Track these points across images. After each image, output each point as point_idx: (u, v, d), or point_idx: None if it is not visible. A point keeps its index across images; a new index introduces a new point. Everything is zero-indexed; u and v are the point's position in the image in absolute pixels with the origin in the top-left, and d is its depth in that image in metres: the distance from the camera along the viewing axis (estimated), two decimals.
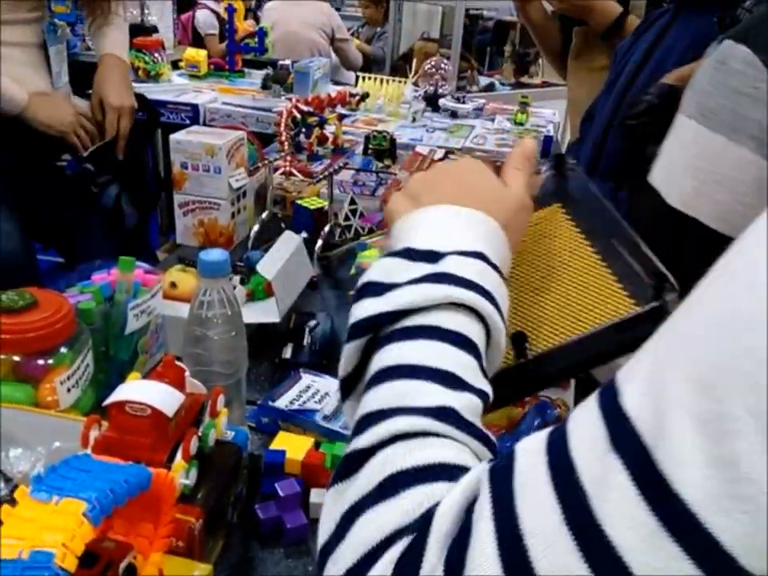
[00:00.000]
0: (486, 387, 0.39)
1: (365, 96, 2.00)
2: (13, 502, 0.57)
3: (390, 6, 4.43)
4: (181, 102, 2.28)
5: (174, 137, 1.27)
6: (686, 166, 0.60)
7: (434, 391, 0.37)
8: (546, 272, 0.53)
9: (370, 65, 4.38)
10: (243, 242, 1.36)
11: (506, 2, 3.96)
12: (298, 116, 1.64)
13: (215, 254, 0.69)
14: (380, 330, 0.41)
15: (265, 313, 0.93)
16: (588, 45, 1.57)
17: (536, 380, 0.52)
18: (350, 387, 0.42)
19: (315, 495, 0.68)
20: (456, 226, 0.44)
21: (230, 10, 2.73)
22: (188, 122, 2.28)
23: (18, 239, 1.48)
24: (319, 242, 1.25)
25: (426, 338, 0.39)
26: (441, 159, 1.84)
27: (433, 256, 0.42)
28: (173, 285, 0.96)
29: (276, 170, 1.56)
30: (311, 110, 1.69)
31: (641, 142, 0.85)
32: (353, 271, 1.24)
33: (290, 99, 1.68)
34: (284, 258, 0.97)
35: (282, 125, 1.58)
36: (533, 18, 1.71)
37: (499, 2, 4.03)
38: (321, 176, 1.32)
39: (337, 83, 3.33)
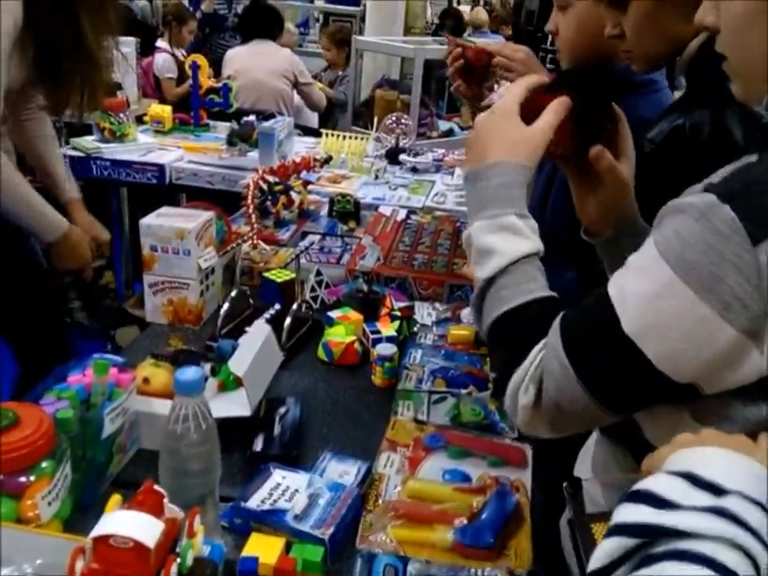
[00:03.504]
0: None
1: (328, 159, 2.07)
2: None
3: (351, 50, 4.54)
4: (147, 161, 2.32)
5: (144, 221, 1.31)
6: (648, 302, 0.61)
7: None
8: None
9: (333, 108, 4.48)
10: (212, 318, 1.40)
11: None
12: (265, 187, 1.70)
13: (190, 373, 0.74)
14: (645, 539, 0.44)
15: (236, 405, 0.98)
16: None
17: None
18: None
19: None
20: (742, 471, 0.47)
21: (194, 67, 2.79)
22: (154, 181, 2.32)
23: None
24: (288, 320, 1.29)
25: (708, 568, 0.41)
26: (403, 220, 1.91)
27: (716, 489, 0.44)
28: (146, 380, 1.00)
29: (244, 241, 1.61)
30: (277, 180, 1.75)
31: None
32: (320, 351, 1.30)
33: (257, 170, 1.75)
34: (254, 350, 1.02)
35: (249, 197, 1.64)
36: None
37: None
38: (289, 260, 1.37)
39: (300, 127, 3.40)
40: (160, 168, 2.31)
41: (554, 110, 0.78)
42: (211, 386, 1.02)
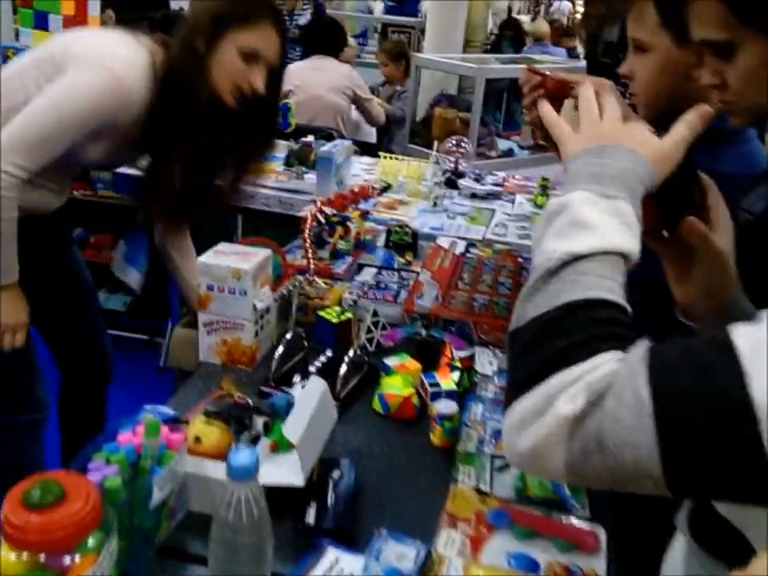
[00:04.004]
0: None
1: (386, 188, 2.02)
2: None
3: (409, 64, 4.49)
4: None
5: (201, 260, 1.28)
6: None
7: None
8: None
9: (390, 124, 4.43)
10: (266, 358, 1.36)
11: (525, 66, 4.00)
12: (322, 219, 1.66)
13: (243, 457, 0.69)
14: None
15: (288, 472, 0.93)
16: None
17: None
18: None
19: None
20: None
21: None
22: None
23: None
24: (343, 368, 1.24)
25: None
26: (462, 253, 1.84)
27: None
28: (197, 439, 0.96)
29: (300, 272, 1.57)
30: (334, 211, 1.71)
31: None
32: (376, 402, 1.24)
33: (315, 202, 1.71)
34: (309, 411, 0.97)
35: (306, 230, 1.60)
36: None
37: (516, 66, 4.06)
38: (346, 305, 1.32)
39: (357, 143, 3.37)
40: None
41: (689, 122, 0.67)
42: (263, 446, 0.97)
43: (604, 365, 0.53)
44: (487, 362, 1.38)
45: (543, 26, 7.14)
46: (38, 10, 2.45)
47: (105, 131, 1.43)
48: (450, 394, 1.20)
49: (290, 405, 1.03)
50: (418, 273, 1.70)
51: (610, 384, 0.51)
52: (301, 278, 1.48)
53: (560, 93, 1.37)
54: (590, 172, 0.63)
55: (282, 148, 2.82)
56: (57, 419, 1.95)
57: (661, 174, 0.66)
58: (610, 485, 0.54)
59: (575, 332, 0.55)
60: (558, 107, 1.41)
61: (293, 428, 0.93)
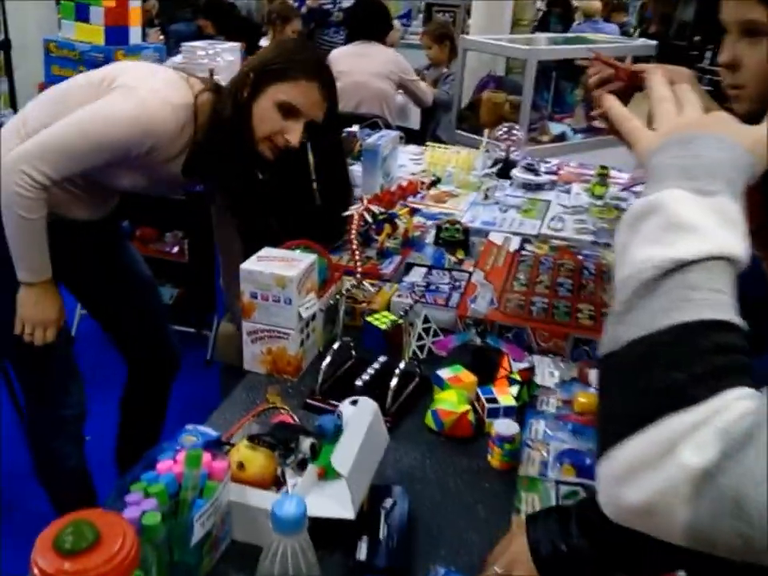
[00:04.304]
0: None
1: (436, 182, 1.93)
2: None
3: (454, 45, 4.35)
4: None
5: (245, 267, 1.22)
6: None
7: None
8: None
9: (437, 108, 4.31)
10: (312, 366, 1.30)
11: (579, 46, 3.84)
12: (369, 218, 1.59)
13: (290, 508, 0.62)
14: None
15: (337, 503, 0.86)
16: None
17: None
18: None
19: None
20: None
21: None
22: None
23: None
24: (394, 381, 1.17)
25: None
26: (517, 250, 1.74)
27: None
28: (240, 465, 0.90)
29: (347, 272, 1.50)
30: (382, 210, 1.63)
31: None
32: (429, 418, 1.17)
33: (361, 200, 1.63)
34: (359, 438, 0.90)
35: (353, 230, 1.52)
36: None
37: (570, 46, 3.90)
38: (397, 316, 1.24)
39: (402, 129, 3.28)
40: None
41: None
42: (311, 473, 0.91)
43: (734, 406, 0.44)
44: (548, 372, 1.29)
45: (594, 2, 6.87)
46: (79, 2, 2.41)
47: (133, 162, 1.44)
48: (508, 411, 1.12)
49: (338, 428, 0.96)
50: (470, 273, 1.61)
51: (749, 433, 0.43)
52: (348, 279, 1.41)
53: (633, 84, 1.25)
54: (679, 166, 0.55)
55: None
56: (117, 418, 1.97)
57: (762, 163, 0.57)
58: (740, 554, 0.45)
59: (693, 362, 0.46)
60: (626, 100, 1.27)
61: (342, 458, 0.86)
